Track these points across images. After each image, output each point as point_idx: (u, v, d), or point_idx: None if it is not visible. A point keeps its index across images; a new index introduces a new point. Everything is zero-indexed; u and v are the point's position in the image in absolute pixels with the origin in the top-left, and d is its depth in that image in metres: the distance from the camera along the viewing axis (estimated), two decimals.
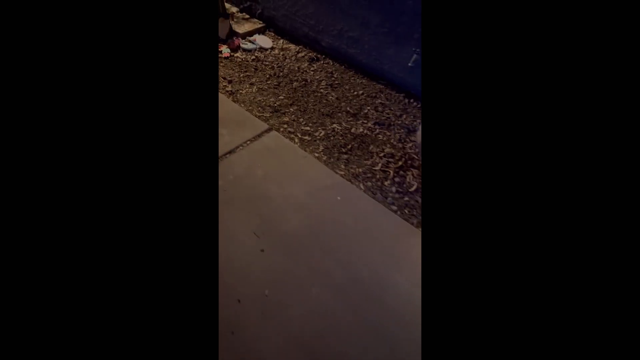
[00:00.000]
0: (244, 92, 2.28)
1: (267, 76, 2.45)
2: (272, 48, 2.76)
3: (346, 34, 2.45)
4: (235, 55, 2.63)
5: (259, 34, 2.89)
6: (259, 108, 2.16)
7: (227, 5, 3.06)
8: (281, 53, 2.72)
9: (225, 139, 1.87)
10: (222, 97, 2.17)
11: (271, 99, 2.24)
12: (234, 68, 2.50)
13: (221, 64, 2.51)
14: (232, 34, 2.77)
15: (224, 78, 2.37)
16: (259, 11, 2.92)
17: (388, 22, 2.16)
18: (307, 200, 1.62)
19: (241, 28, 2.84)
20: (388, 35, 2.20)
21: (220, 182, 1.65)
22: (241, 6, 2.99)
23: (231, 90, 2.27)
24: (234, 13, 2.98)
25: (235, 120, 2.00)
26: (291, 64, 2.61)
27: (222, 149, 1.81)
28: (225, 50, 2.62)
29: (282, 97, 2.27)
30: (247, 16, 3.00)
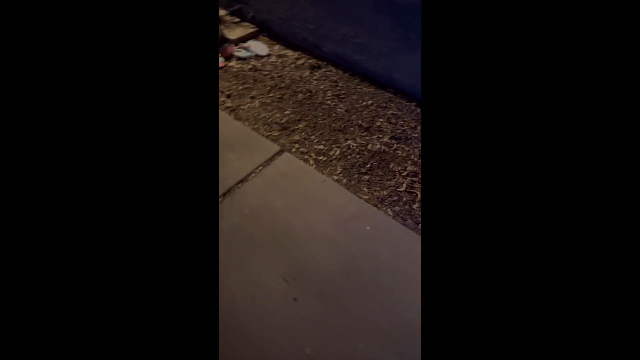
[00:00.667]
0: (245, 107, 2.09)
1: (268, 88, 2.26)
2: (269, 55, 2.57)
3: (352, 40, 2.29)
4: (230, 64, 2.41)
5: (252, 39, 2.68)
6: (266, 126, 1.98)
7: None
8: (279, 60, 2.53)
9: (235, 165, 1.69)
10: (222, 114, 1.97)
11: (277, 115, 2.06)
12: (230, 80, 2.29)
13: None
14: (223, 40, 2.55)
15: (222, 92, 2.17)
16: (251, 14, 2.71)
17: (400, 27, 2.02)
18: (334, 232, 1.47)
19: (233, 34, 2.62)
20: (400, 41, 2.06)
21: (236, 219, 1.47)
22: (230, 9, 2.76)
23: (232, 107, 2.07)
24: (222, 17, 2.74)
25: (242, 142, 1.81)
26: (292, 72, 2.42)
27: (233, 177, 1.62)
28: (219, 60, 2.40)
29: (288, 112, 2.09)
30: (237, 20, 2.78)
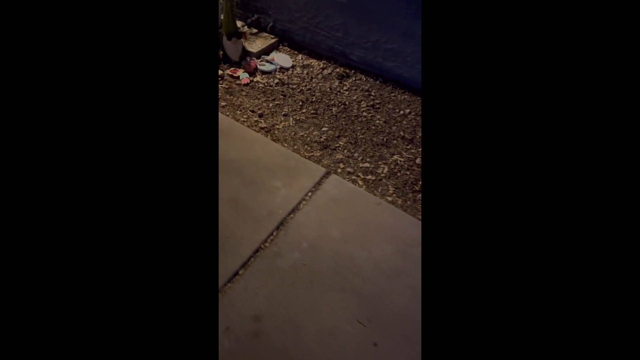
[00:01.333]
0: (280, 127, 1.98)
1: (300, 103, 2.15)
2: (293, 66, 2.45)
3: (383, 46, 2.17)
4: (255, 80, 2.30)
5: (273, 50, 2.56)
6: (306, 146, 1.87)
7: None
8: (305, 71, 2.41)
9: (283, 193, 1.58)
10: (259, 137, 1.86)
11: (314, 133, 1.95)
12: (258, 97, 2.17)
13: (243, 93, 2.18)
14: (245, 54, 2.44)
15: (253, 111, 2.06)
16: (270, 25, 2.58)
17: None
18: (400, 262, 1.36)
19: (253, 46, 2.50)
20: None
21: (295, 254, 1.37)
22: (248, 20, 2.64)
23: (266, 127, 1.96)
24: (242, 30, 2.62)
25: (285, 166, 1.70)
26: (320, 84, 2.31)
27: (283, 208, 1.52)
28: (243, 75, 2.29)
29: (325, 128, 1.98)
30: (256, 31, 2.66)
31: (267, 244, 1.40)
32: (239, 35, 2.30)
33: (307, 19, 2.39)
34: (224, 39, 2.28)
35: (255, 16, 2.62)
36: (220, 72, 2.31)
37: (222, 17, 2.41)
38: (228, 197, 1.54)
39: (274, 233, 1.43)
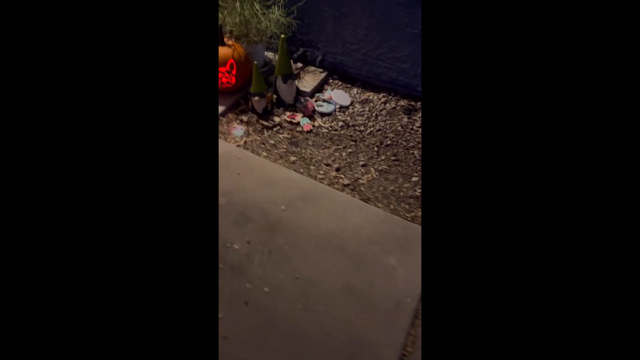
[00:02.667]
0: (364, 181, 1.74)
1: (374, 148, 1.92)
2: (352, 103, 2.22)
3: None
4: (317, 124, 2.06)
5: (324, 85, 2.34)
6: (403, 204, 1.63)
7: (276, 57, 2.47)
8: (366, 108, 2.18)
9: (402, 275, 1.33)
10: (348, 199, 1.62)
11: (405, 185, 1.72)
12: (328, 145, 1.94)
13: (309, 142, 1.95)
14: (299, 94, 2.20)
15: (328, 165, 1.82)
16: (319, 58, 2.36)
17: None
18: None
19: (304, 84, 2.27)
20: None
21: None
22: (294, 55, 2.41)
23: (349, 183, 1.72)
24: (297, 71, 2.39)
25: (391, 235, 1.46)
26: (388, 121, 2.08)
27: (410, 294, 1.27)
28: (303, 121, 2.05)
29: (416, 178, 1.75)
30: (301, 65, 2.43)
31: (408, 349, 1.15)
32: (294, 76, 2.07)
33: (366, 51, 2.16)
34: (278, 82, 2.05)
35: (301, 50, 2.40)
36: (276, 119, 2.07)
37: (274, 58, 2.19)
38: (341, 284, 1.30)
39: (412, 332, 1.19)
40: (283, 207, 1.54)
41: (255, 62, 1.91)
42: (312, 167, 1.81)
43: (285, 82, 2.04)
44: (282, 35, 1.91)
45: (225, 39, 2.02)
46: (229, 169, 1.71)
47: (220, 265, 1.34)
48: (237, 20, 2.00)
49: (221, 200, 1.56)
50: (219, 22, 1.97)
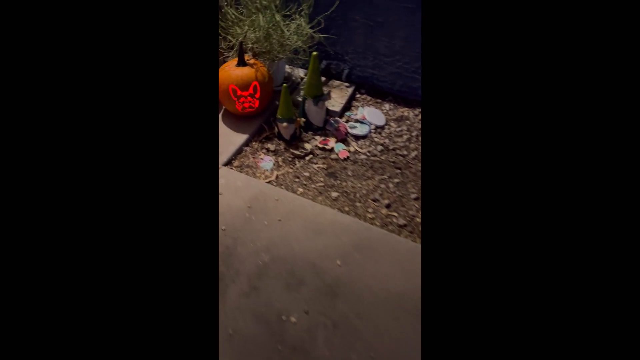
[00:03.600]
0: (419, 219, 1.53)
1: (420, 175, 1.70)
2: (387, 122, 2.00)
3: None
4: (353, 150, 1.83)
5: (352, 101, 2.10)
6: None
7: (301, 74, 2.21)
8: (403, 127, 1.96)
9: None
10: (410, 245, 1.40)
11: None
12: (370, 175, 1.71)
13: (348, 172, 1.72)
14: (328, 115, 1.97)
15: (375, 200, 1.60)
16: (346, 72, 2.11)
17: None
18: None
19: (331, 102, 2.03)
20: None
21: None
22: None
23: (404, 223, 1.51)
24: (328, 89, 2.14)
25: None
26: None
27: None
28: (338, 147, 1.82)
29: None
30: (324, 79, 2.18)
31: None
32: (325, 97, 1.83)
33: (402, 64, 1.93)
34: (308, 104, 1.81)
35: (324, 63, 2.15)
36: (307, 145, 1.83)
37: (292, 72, 1.94)
38: None
39: None
40: (339, 262, 1.32)
41: (285, 84, 1.66)
42: (358, 205, 1.59)
43: (316, 104, 1.79)
44: (314, 53, 1.66)
45: (246, 58, 1.76)
46: (268, 215, 1.46)
47: (278, 346, 1.11)
48: (259, 34, 1.74)
49: (265, 257, 1.33)
50: (239, 39, 1.71)
